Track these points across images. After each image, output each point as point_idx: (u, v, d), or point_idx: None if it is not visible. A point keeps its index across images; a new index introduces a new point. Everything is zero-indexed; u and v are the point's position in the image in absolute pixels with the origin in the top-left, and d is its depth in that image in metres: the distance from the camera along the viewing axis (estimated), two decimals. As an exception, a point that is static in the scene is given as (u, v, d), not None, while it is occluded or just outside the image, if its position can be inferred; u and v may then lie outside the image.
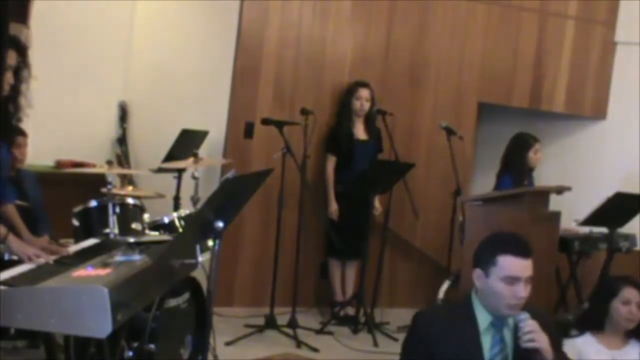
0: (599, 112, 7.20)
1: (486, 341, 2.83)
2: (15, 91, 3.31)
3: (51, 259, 3.26)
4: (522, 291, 2.79)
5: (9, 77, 3.21)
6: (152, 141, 6.52)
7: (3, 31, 2.43)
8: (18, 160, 4.66)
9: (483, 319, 2.85)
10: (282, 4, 6.15)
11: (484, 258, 2.85)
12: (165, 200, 5.34)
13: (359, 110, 6.11)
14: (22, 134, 4.65)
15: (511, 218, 4.90)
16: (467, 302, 2.90)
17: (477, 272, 2.86)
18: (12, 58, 3.23)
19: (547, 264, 5.07)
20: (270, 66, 6.14)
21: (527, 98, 7.02)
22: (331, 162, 6.09)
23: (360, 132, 6.14)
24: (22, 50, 3.32)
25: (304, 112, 5.68)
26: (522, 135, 5.91)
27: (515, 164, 5.79)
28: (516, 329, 2.82)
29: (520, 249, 2.83)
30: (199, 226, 3.31)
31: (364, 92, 6.11)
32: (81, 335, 3.04)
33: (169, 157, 5.79)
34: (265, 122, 5.63)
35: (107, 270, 2.94)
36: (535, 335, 2.75)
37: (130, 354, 3.66)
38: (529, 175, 5.93)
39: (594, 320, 3.60)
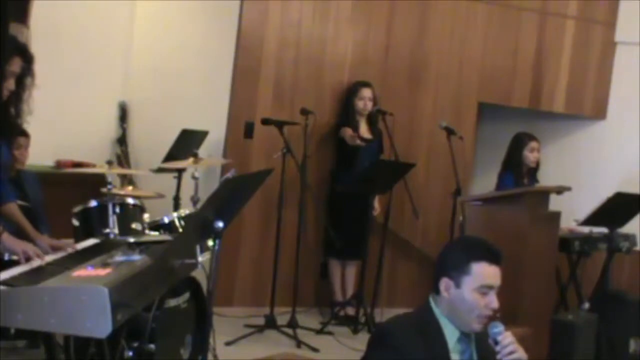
0: (599, 112, 7.20)
1: (455, 359, 2.59)
2: (17, 98, 3.31)
3: (45, 260, 3.21)
4: (496, 302, 2.56)
5: (11, 84, 3.21)
6: (152, 141, 6.52)
7: (3, 31, 2.43)
8: (18, 161, 4.66)
9: (450, 334, 2.59)
10: (282, 4, 6.15)
11: (454, 266, 2.59)
12: (165, 200, 5.34)
13: (363, 109, 6.12)
14: (24, 134, 4.65)
15: (511, 218, 4.90)
16: (430, 315, 2.62)
17: (446, 282, 2.59)
18: (17, 65, 3.23)
19: (547, 264, 5.08)
20: (270, 66, 6.14)
21: (527, 98, 7.02)
22: (346, 129, 6.03)
23: (364, 131, 6.15)
24: (28, 58, 3.31)
25: (304, 112, 5.68)
26: (518, 135, 6.01)
27: (514, 163, 5.87)
28: (478, 343, 2.61)
29: (494, 255, 2.60)
30: (199, 226, 3.31)
31: (367, 92, 6.12)
32: (81, 335, 3.04)
33: (169, 157, 5.80)
34: (265, 122, 5.63)
35: (107, 270, 2.94)
36: (516, 346, 2.53)
37: (130, 354, 3.66)
38: (531, 176, 5.95)
39: None
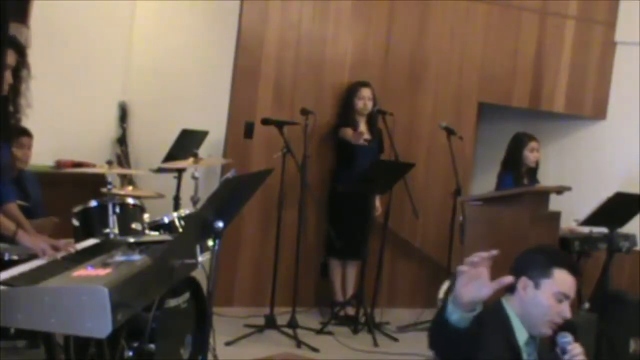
0: (599, 112, 7.20)
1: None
2: (15, 91, 3.31)
3: (59, 255, 3.29)
4: (568, 311, 2.62)
5: (7, 77, 3.21)
6: (152, 141, 6.52)
7: (3, 31, 2.43)
8: (21, 161, 4.67)
9: (520, 334, 2.64)
10: (282, 4, 6.15)
11: (536, 267, 2.64)
12: (165, 200, 5.34)
13: (362, 109, 6.12)
14: (27, 134, 4.65)
15: (511, 218, 4.90)
16: (502, 314, 2.65)
17: (525, 281, 2.64)
18: (10, 57, 3.23)
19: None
20: (270, 66, 6.14)
21: (527, 98, 7.02)
22: (347, 129, 6.03)
23: (364, 131, 6.14)
24: (21, 50, 3.32)
25: (304, 112, 5.68)
26: (518, 135, 6.01)
27: (514, 163, 5.86)
28: (540, 350, 2.65)
29: (575, 268, 2.67)
30: (199, 226, 3.31)
31: (366, 92, 6.12)
32: (81, 335, 3.04)
33: (169, 157, 5.80)
34: (265, 122, 5.63)
35: (107, 270, 2.94)
36: (584, 357, 2.58)
37: (130, 354, 3.65)
38: (531, 176, 5.95)
39: None
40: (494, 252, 2.20)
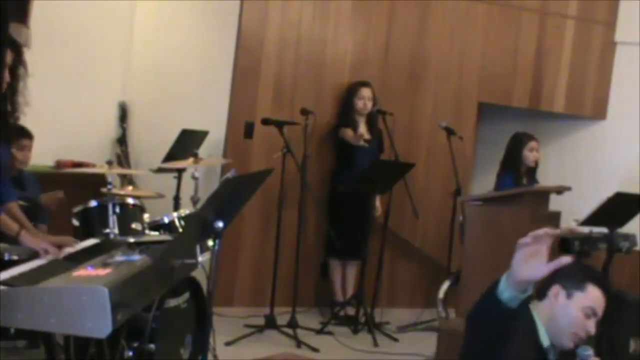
0: (599, 112, 7.20)
1: None
2: (12, 89, 3.31)
3: (62, 255, 3.29)
4: (594, 328, 2.66)
5: (5, 76, 3.21)
6: (152, 141, 6.52)
7: (3, 31, 2.43)
8: (21, 163, 4.66)
9: (543, 340, 2.68)
10: (282, 4, 6.15)
11: (572, 278, 2.68)
12: (165, 200, 5.34)
13: (362, 109, 6.12)
14: (28, 136, 4.64)
15: (511, 218, 4.90)
16: (529, 318, 2.68)
17: (557, 289, 2.69)
18: (7, 56, 3.22)
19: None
20: (270, 66, 6.14)
21: (527, 98, 7.02)
22: (347, 130, 6.04)
23: (363, 131, 6.15)
24: (17, 48, 3.31)
25: (304, 112, 5.68)
26: (517, 135, 6.00)
27: (513, 163, 5.86)
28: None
29: (609, 288, 2.71)
30: (199, 226, 3.31)
31: (366, 92, 6.12)
32: (81, 335, 3.03)
33: (169, 157, 5.79)
34: (265, 122, 5.63)
35: (107, 270, 2.94)
36: None
37: (130, 354, 3.66)
38: (530, 176, 5.95)
39: None
40: (559, 230, 2.20)
